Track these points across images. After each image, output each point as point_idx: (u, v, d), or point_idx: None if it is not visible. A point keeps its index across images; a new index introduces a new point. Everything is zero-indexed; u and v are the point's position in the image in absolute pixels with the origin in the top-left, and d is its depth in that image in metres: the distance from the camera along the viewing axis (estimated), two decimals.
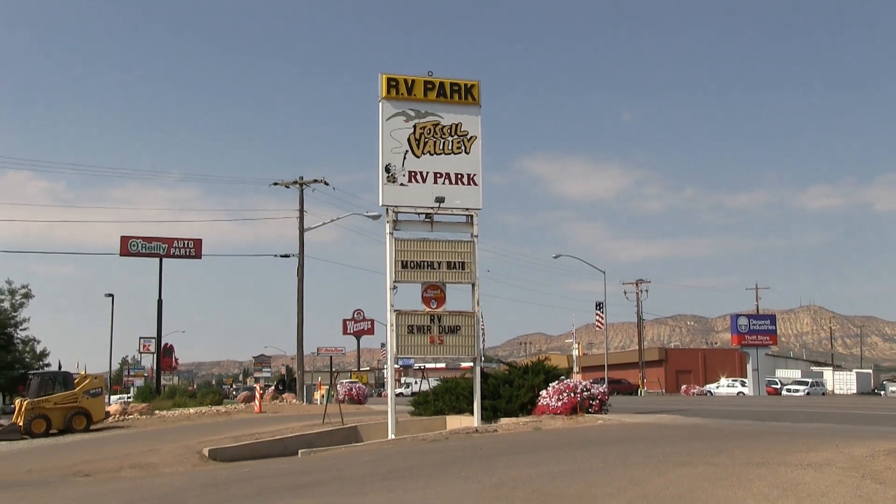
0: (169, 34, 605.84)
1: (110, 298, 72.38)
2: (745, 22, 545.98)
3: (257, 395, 41.84)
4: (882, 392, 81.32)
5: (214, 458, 18.27)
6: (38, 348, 68.97)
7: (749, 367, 75.85)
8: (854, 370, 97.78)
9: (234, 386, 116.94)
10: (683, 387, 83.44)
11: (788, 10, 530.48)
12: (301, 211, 50.01)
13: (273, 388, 62.36)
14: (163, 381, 64.16)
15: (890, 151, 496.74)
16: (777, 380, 78.07)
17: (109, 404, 45.04)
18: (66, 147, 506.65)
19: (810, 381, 75.93)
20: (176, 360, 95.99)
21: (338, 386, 40.33)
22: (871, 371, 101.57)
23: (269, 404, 42.28)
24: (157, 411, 40.93)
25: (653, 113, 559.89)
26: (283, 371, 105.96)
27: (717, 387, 79.17)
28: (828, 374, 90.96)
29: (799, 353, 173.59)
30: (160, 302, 55.86)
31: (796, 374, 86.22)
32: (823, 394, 72.11)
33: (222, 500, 9.96)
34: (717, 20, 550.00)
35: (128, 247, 55.05)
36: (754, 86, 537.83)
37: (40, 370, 52.01)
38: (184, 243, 56.47)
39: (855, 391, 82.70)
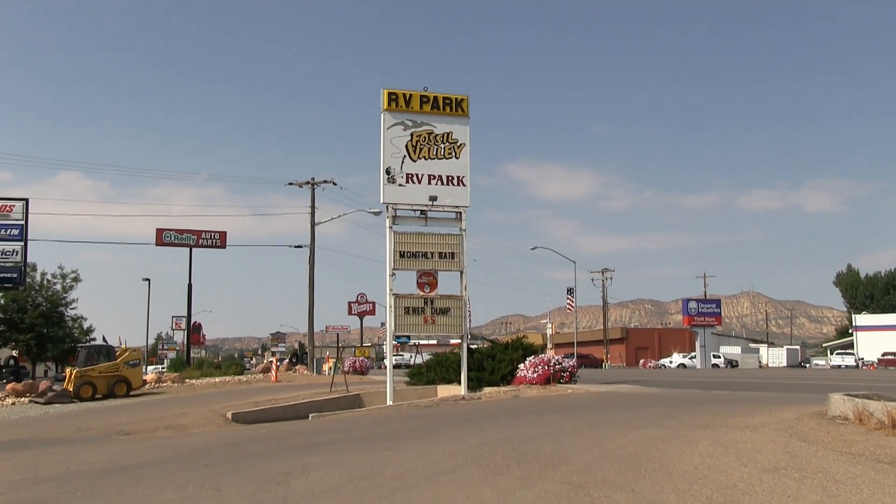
0: (199, 53, 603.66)
1: (147, 282, 72.29)
2: (696, 50, 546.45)
3: (273, 366, 41.75)
4: (807, 365, 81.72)
5: (237, 420, 18.25)
6: (85, 325, 68.86)
7: (697, 344, 76.08)
8: (785, 347, 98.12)
9: (253, 359, 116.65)
10: (642, 361, 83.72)
11: (737, 36, 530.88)
12: (312, 208, 49.94)
13: (287, 360, 62.28)
14: (192, 354, 63.78)
15: (816, 161, 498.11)
16: (720, 355, 78.31)
17: (146, 374, 44.93)
18: (108, 150, 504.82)
19: (714, 354, 76.42)
20: (203, 336, 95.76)
21: (344, 359, 40.30)
22: (798, 347, 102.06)
23: (283, 375, 42.17)
24: (187, 380, 40.85)
25: (619, 127, 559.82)
26: (297, 346, 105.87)
27: (670, 361, 79.46)
28: (763, 349, 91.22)
29: (740, 332, 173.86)
30: (190, 286, 55.77)
31: (737, 350, 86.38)
32: (733, 365, 72.56)
33: (244, 457, 9.96)
34: (671, 50, 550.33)
35: (162, 238, 54.82)
36: (704, 104, 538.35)
37: (87, 344, 51.88)
38: (210, 235, 56.21)
39: (785, 364, 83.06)
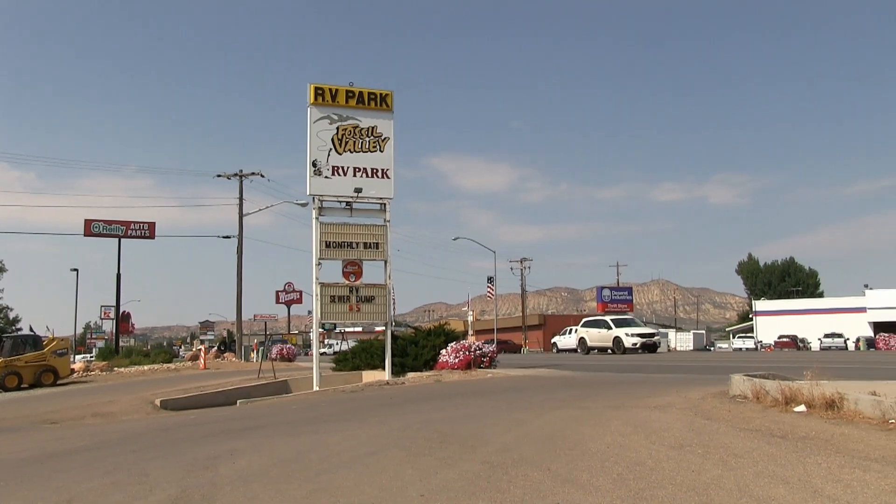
0: (126, 45, 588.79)
1: (75, 272, 70.54)
2: (611, 52, 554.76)
3: (202, 354, 41.12)
4: (712, 348, 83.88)
5: (165, 407, 17.95)
6: (11, 315, 66.90)
7: None
8: (691, 331, 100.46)
9: (182, 347, 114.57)
10: None
11: (648, 39, 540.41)
12: (240, 199, 49.32)
13: (216, 348, 61.43)
14: (121, 343, 62.27)
15: (720, 157, 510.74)
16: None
17: (74, 363, 43.79)
18: (36, 141, 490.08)
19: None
20: (132, 324, 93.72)
21: (271, 346, 39.88)
22: (704, 332, 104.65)
23: (212, 362, 41.54)
24: (115, 368, 39.88)
25: (536, 122, 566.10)
26: (225, 334, 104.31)
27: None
28: (671, 334, 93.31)
29: (650, 318, 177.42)
30: (119, 275, 54.51)
31: None
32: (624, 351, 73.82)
33: (173, 442, 9.81)
34: (587, 50, 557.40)
35: (91, 228, 53.43)
36: (617, 101, 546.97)
37: (13, 333, 50.30)
38: (140, 225, 55.00)
39: (692, 348, 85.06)
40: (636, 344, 39.03)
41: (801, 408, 7.49)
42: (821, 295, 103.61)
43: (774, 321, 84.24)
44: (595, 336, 42.52)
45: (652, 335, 40.70)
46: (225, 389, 20.17)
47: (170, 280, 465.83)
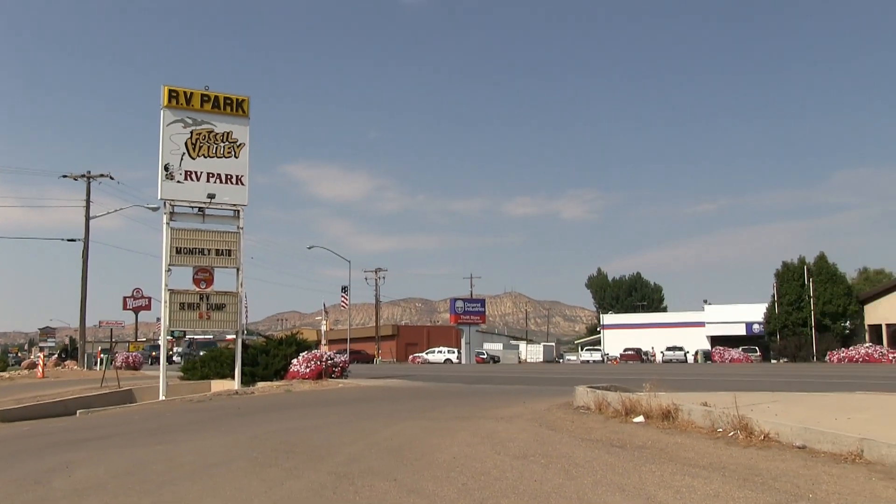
0: None
1: None
2: (465, 65, 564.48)
3: (40, 362, 39.12)
4: (561, 360, 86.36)
5: None
6: None
7: (463, 341, 78.47)
8: (542, 343, 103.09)
9: (18, 354, 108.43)
10: (411, 357, 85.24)
11: (508, 53, 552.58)
12: (87, 201, 47.36)
13: (56, 356, 58.61)
14: None
15: (572, 175, 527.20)
16: (484, 351, 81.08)
17: None
18: None
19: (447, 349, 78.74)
20: None
21: (116, 354, 38.40)
22: (554, 344, 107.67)
23: (51, 370, 39.56)
24: None
25: (394, 132, 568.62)
26: (67, 341, 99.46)
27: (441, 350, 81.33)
28: (522, 346, 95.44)
29: (502, 330, 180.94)
30: None
31: (499, 346, 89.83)
32: (495, 361, 75.13)
33: (3, 456, 9.28)
34: (441, 64, 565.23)
35: None
36: (473, 115, 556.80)
37: None
38: None
39: (542, 360, 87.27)
40: None
41: (640, 418, 7.85)
42: (664, 309, 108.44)
43: (621, 334, 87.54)
44: None
45: None
46: (64, 399, 19.23)
47: (7, 284, 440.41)
